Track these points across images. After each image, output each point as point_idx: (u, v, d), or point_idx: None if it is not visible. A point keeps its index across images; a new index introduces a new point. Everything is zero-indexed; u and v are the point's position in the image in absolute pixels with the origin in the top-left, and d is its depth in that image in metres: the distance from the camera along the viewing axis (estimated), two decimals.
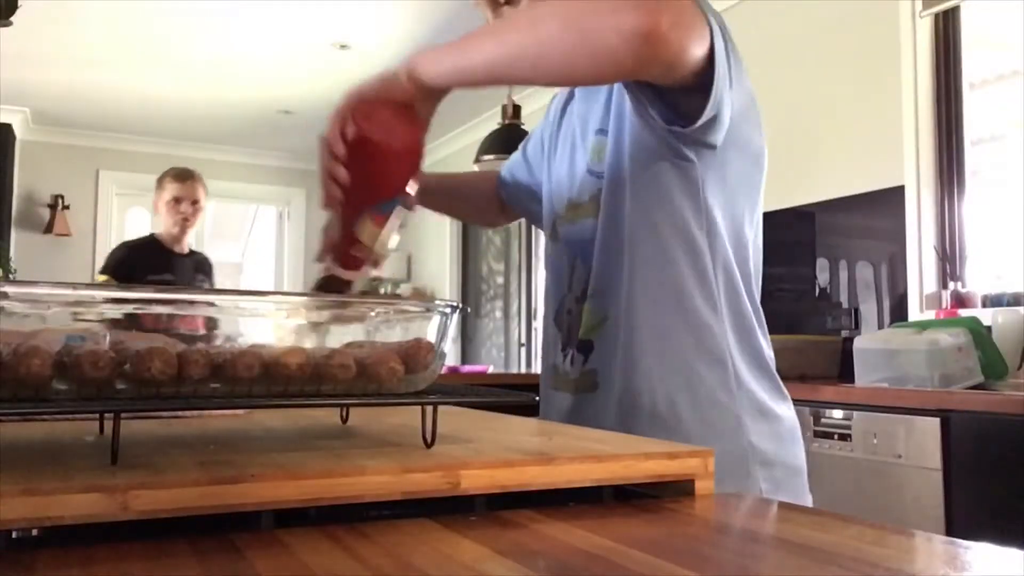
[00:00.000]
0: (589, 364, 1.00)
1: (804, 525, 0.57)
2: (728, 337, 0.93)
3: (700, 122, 0.86)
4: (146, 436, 0.69)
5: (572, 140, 1.08)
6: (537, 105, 5.02)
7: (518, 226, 5.76)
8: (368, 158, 0.84)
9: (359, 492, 0.53)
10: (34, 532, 0.49)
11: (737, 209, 0.96)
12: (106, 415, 0.67)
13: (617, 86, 0.96)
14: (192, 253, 3.30)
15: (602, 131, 1.00)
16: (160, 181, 3.20)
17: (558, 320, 1.08)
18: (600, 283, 0.99)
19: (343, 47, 4.57)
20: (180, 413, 0.85)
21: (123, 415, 0.55)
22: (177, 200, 3.14)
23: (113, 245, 6.80)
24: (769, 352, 0.98)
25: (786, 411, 0.98)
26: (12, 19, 2.72)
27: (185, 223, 3.15)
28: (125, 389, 0.58)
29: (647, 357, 0.94)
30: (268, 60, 4.80)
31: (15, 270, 5.57)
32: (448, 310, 0.72)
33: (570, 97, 1.14)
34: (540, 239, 5.72)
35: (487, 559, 0.47)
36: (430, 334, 0.70)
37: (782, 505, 0.66)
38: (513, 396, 0.72)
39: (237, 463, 0.55)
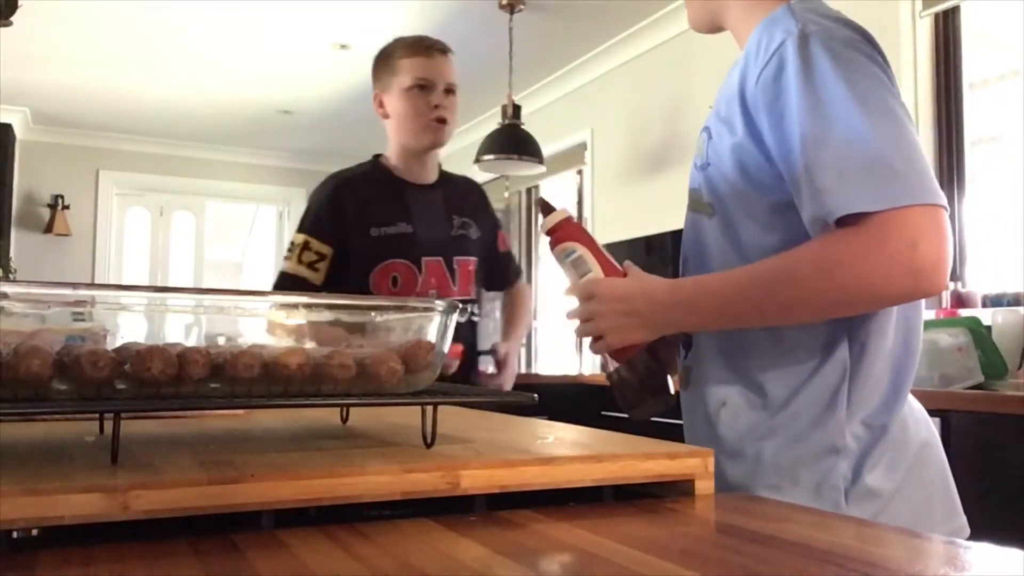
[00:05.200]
0: (688, 359, 1.00)
1: (804, 525, 0.57)
2: (819, 351, 0.89)
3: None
4: (146, 436, 0.69)
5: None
6: (537, 105, 5.02)
7: (518, 225, 5.76)
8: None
9: (359, 492, 0.53)
10: (34, 532, 0.49)
11: None
12: (106, 415, 0.67)
13: (744, 96, 0.91)
14: (444, 180, 1.91)
15: (705, 128, 0.99)
16: (386, 60, 1.84)
17: None
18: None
19: (343, 47, 4.57)
20: (180, 413, 0.85)
21: (123, 415, 0.55)
22: (424, 86, 1.78)
23: (113, 245, 6.85)
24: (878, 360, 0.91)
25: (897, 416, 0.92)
26: (12, 19, 2.72)
27: (440, 127, 1.79)
28: (125, 389, 0.58)
29: (717, 362, 0.94)
30: (268, 60, 4.80)
31: (15, 270, 5.57)
32: (448, 310, 0.72)
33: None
34: (541, 238, 5.71)
35: (487, 559, 0.47)
36: (430, 334, 0.70)
37: (782, 505, 0.66)
38: (513, 396, 0.72)
39: (237, 463, 0.55)
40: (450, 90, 1.81)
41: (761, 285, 0.84)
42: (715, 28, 1.07)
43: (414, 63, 1.79)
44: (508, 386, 1.84)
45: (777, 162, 0.86)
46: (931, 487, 0.94)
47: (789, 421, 0.89)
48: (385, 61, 1.85)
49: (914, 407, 0.95)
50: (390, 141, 1.88)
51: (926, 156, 0.83)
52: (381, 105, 1.86)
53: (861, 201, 0.78)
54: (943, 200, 0.79)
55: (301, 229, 1.79)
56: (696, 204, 0.99)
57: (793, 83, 0.84)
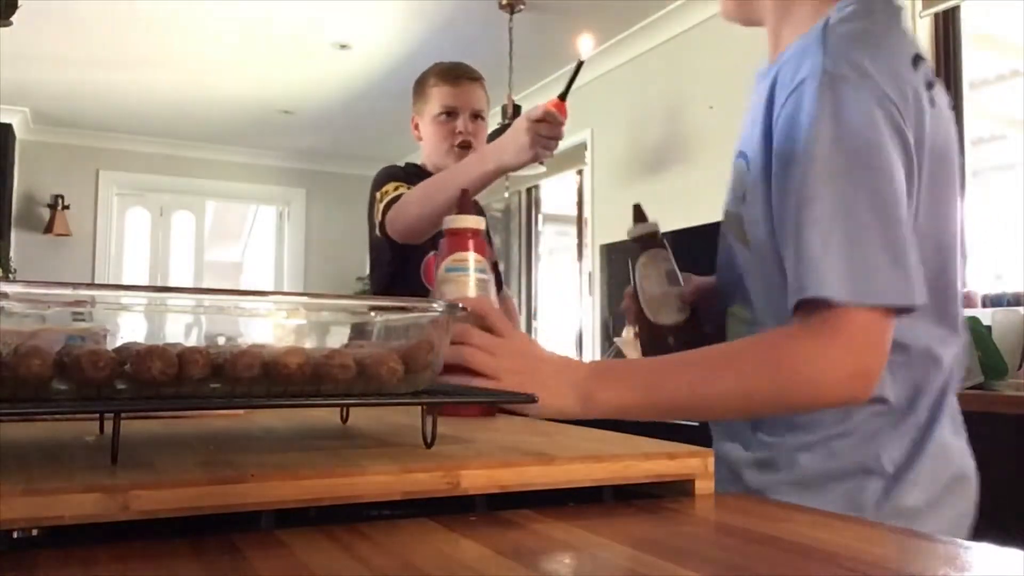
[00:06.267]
0: None
1: (804, 525, 0.57)
2: None
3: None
4: (146, 436, 0.69)
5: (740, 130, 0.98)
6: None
7: (518, 224, 5.76)
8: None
9: (359, 492, 0.53)
10: (34, 532, 0.49)
11: None
12: (106, 415, 0.67)
13: (767, 124, 0.87)
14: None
15: (742, 154, 0.94)
16: (421, 87, 1.97)
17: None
18: (752, 302, 0.94)
19: (343, 47, 4.57)
20: (180, 413, 0.85)
21: (123, 415, 0.55)
22: (450, 113, 1.91)
23: (113, 245, 6.84)
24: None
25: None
26: (12, 19, 2.72)
27: (463, 153, 1.89)
28: (125, 389, 0.58)
29: None
30: (268, 60, 4.80)
31: (15, 270, 5.57)
32: (448, 310, 0.72)
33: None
34: (541, 238, 5.71)
35: (487, 559, 0.47)
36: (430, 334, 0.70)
37: (782, 505, 0.66)
38: (513, 396, 0.72)
39: (237, 463, 0.55)
40: (477, 115, 1.93)
41: (699, 368, 0.81)
42: (749, 22, 1.00)
43: (442, 91, 1.91)
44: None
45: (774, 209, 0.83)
46: (960, 518, 0.91)
47: (828, 440, 0.86)
48: (419, 88, 1.97)
49: (955, 437, 0.92)
50: (424, 161, 1.97)
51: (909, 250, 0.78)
52: (416, 128, 1.98)
53: (830, 288, 0.75)
54: (910, 299, 0.76)
55: (386, 184, 1.78)
56: (735, 230, 0.95)
57: (802, 133, 0.79)
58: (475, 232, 0.92)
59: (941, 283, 0.87)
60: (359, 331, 0.73)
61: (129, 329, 0.62)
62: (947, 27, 2.95)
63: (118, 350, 0.58)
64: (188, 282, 6.82)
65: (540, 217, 5.72)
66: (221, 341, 0.65)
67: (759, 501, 0.66)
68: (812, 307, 0.77)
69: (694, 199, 3.86)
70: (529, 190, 5.65)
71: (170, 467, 0.53)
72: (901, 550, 0.53)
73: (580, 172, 4.99)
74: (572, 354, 4.83)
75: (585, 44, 1.10)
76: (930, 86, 0.86)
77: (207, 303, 0.68)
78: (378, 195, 1.78)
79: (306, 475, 0.52)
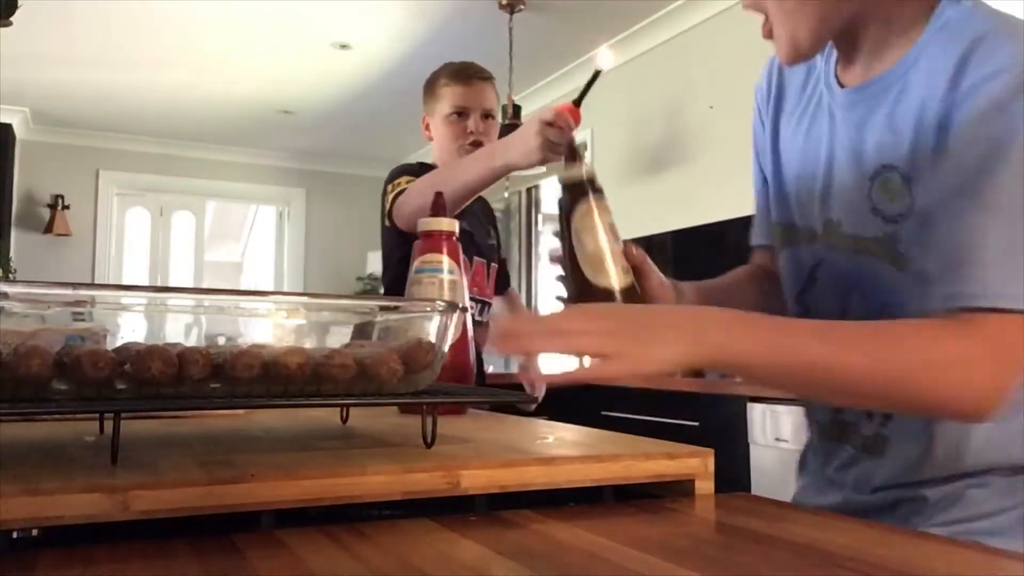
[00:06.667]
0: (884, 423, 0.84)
1: (804, 525, 0.57)
2: None
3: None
4: (146, 436, 0.69)
5: (830, 147, 0.88)
6: (537, 105, 5.02)
7: (518, 223, 5.76)
8: None
9: (359, 492, 0.53)
10: (34, 532, 0.49)
11: None
12: (106, 415, 0.67)
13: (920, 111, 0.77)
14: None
15: (890, 167, 0.82)
16: (432, 87, 1.98)
17: None
18: None
19: (343, 47, 4.57)
20: (180, 413, 0.85)
21: (123, 415, 0.55)
22: (461, 113, 1.91)
23: (113, 245, 6.83)
24: None
25: None
26: (12, 19, 2.72)
27: (476, 150, 1.85)
28: (125, 389, 0.58)
29: None
30: (268, 60, 4.80)
31: (15, 270, 5.57)
32: (448, 310, 0.72)
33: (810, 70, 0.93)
34: (542, 237, 5.71)
35: (487, 559, 0.47)
36: (430, 334, 0.70)
37: (782, 505, 0.66)
38: (513, 396, 0.72)
39: (237, 463, 0.55)
40: (488, 115, 1.92)
41: (840, 339, 0.70)
42: (815, 52, 0.86)
43: (453, 91, 1.92)
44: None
45: (930, 206, 0.74)
46: None
47: (997, 472, 0.78)
48: (430, 88, 1.97)
49: None
50: (435, 161, 1.97)
51: None
52: (427, 128, 1.98)
53: (1007, 298, 0.67)
54: None
55: (399, 178, 1.76)
56: (877, 250, 0.84)
57: (1002, 133, 0.69)
58: (449, 235, 0.91)
59: None
60: (360, 331, 0.73)
61: (129, 329, 0.62)
62: None
63: (118, 350, 0.58)
64: (188, 282, 6.81)
65: (540, 217, 5.72)
66: (221, 341, 0.65)
67: (759, 501, 0.66)
68: (964, 311, 0.69)
69: (694, 199, 3.86)
70: (529, 190, 5.66)
71: (170, 467, 0.53)
72: (901, 550, 0.53)
73: None
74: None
75: (604, 56, 1.09)
76: None
77: (207, 303, 0.68)
78: (389, 188, 1.79)
79: (306, 475, 0.52)
